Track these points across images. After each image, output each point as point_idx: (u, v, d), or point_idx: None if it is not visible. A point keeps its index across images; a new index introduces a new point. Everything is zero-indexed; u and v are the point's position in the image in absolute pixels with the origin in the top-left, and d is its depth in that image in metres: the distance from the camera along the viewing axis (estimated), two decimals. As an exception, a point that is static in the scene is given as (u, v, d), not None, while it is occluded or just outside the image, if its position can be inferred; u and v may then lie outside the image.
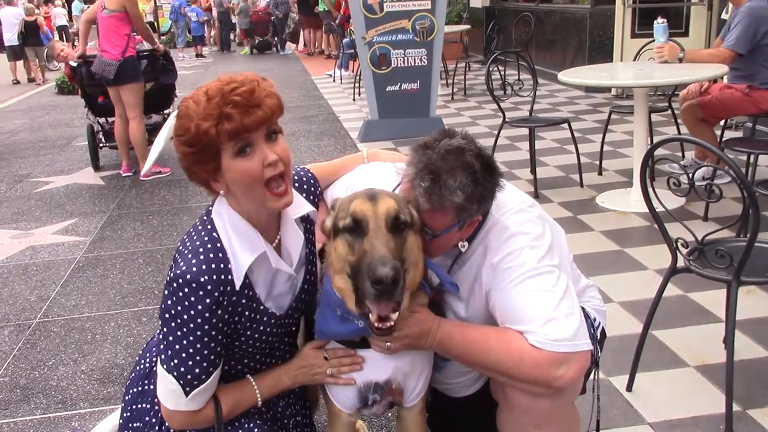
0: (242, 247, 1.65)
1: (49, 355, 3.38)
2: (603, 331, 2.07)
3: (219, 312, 1.61)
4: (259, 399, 1.81)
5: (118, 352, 3.36)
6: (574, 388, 1.78)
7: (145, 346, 2.03)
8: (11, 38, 15.03)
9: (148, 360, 1.90)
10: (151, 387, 1.79)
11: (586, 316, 1.99)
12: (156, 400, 1.73)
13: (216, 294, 1.60)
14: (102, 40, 6.22)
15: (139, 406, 1.84)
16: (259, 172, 1.57)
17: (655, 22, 4.87)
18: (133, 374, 1.93)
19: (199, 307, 1.58)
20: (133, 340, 3.47)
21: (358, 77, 9.65)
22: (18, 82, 15.37)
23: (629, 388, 2.76)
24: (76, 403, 2.96)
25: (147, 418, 1.80)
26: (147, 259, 4.50)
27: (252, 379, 1.82)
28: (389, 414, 2.68)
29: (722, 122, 5.40)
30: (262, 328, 1.74)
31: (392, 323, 1.57)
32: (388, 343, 1.73)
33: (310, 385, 1.95)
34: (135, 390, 1.87)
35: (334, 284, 1.67)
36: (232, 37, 20.64)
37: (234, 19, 19.56)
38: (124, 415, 1.87)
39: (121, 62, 6.13)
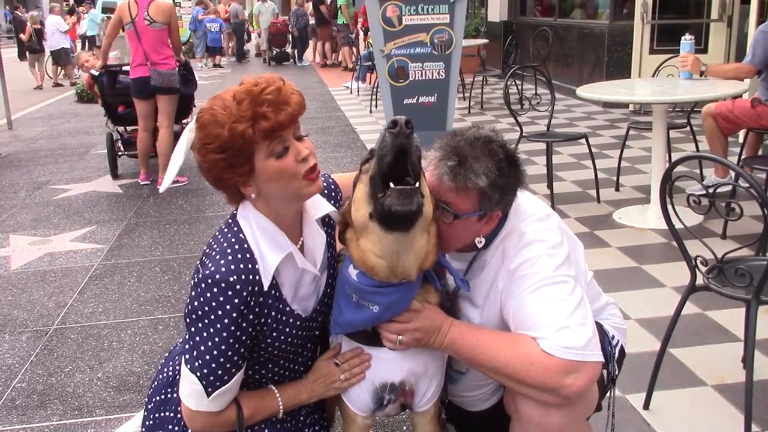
0: (269, 248, 1.67)
1: (66, 362, 3.41)
2: (622, 350, 2.06)
3: (246, 312, 1.63)
4: (281, 408, 1.82)
5: (134, 360, 3.38)
6: (584, 401, 1.77)
7: (168, 354, 2.04)
8: (53, 44, 15.98)
9: (171, 368, 1.91)
10: (175, 395, 1.80)
11: (605, 333, 1.98)
12: (179, 409, 1.74)
13: (244, 294, 1.62)
14: (151, 53, 6.26)
15: (163, 414, 1.84)
16: (293, 168, 1.61)
17: (682, 38, 4.96)
18: (156, 382, 1.94)
19: (227, 307, 1.60)
20: (150, 348, 3.49)
21: (375, 89, 9.67)
22: (60, 85, 16.36)
23: (646, 406, 2.74)
24: (92, 410, 2.98)
25: (170, 427, 1.80)
26: (164, 267, 4.52)
27: (274, 389, 1.83)
28: (404, 428, 2.68)
29: (741, 140, 5.37)
30: (288, 330, 1.76)
31: (412, 185, 1.56)
32: (400, 336, 1.74)
33: (328, 398, 1.95)
34: (158, 398, 1.88)
35: (360, 247, 1.66)
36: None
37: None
38: (147, 423, 1.87)
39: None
